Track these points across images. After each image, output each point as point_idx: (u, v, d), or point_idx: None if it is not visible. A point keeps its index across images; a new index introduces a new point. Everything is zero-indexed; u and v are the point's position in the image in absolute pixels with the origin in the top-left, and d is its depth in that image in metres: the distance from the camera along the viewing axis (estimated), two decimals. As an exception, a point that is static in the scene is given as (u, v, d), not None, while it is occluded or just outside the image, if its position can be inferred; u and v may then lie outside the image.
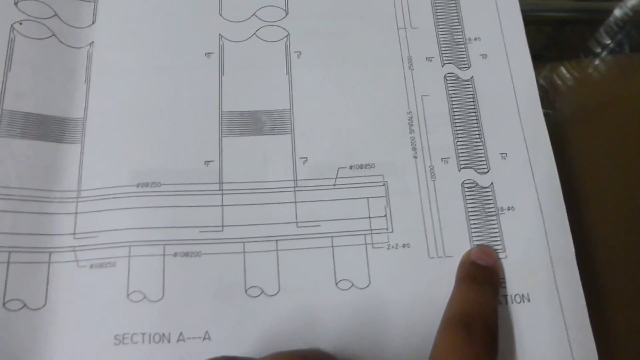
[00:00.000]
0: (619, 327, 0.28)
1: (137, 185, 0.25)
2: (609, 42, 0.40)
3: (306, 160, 0.26)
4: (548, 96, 0.36)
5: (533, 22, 0.42)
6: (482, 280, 0.24)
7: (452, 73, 0.28)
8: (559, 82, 0.37)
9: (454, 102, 0.28)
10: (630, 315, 0.28)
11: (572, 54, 0.40)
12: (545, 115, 0.36)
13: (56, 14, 0.27)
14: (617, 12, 0.40)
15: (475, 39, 0.29)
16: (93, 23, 0.28)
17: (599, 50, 0.39)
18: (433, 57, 0.29)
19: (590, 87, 0.36)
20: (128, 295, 0.24)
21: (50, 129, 0.26)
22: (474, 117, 0.27)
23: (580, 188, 0.31)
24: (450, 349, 0.21)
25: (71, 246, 0.24)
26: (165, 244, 0.25)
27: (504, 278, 0.25)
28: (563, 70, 0.37)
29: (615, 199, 0.31)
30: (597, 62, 0.37)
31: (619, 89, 0.36)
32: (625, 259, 0.29)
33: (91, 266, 0.24)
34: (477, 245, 0.25)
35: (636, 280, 0.29)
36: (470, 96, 0.28)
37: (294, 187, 0.26)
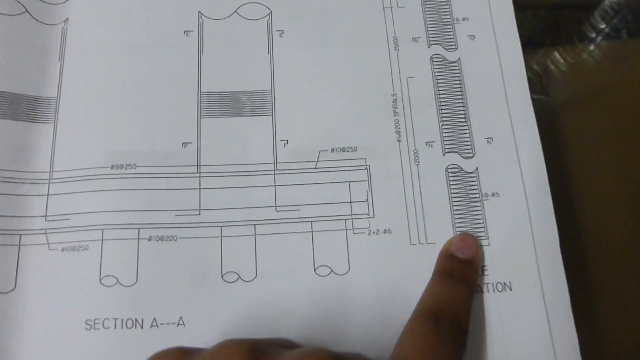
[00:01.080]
0: (605, 320, 0.27)
1: (112, 167, 0.25)
2: (604, 26, 0.39)
3: (287, 142, 0.26)
4: (541, 82, 0.36)
5: (529, 6, 0.41)
6: (457, 275, 0.23)
7: (439, 54, 0.27)
8: (552, 67, 0.36)
9: (440, 84, 0.27)
10: (619, 308, 0.27)
11: (567, 38, 0.39)
12: (539, 101, 0.35)
13: (29, -11, 0.26)
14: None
15: (463, 19, 0.28)
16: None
17: (594, 35, 0.39)
18: (419, 38, 0.28)
19: (585, 73, 0.35)
20: (100, 280, 0.23)
21: (22, 108, 0.25)
22: (460, 100, 0.27)
23: (573, 175, 0.30)
24: (417, 338, 0.21)
25: (42, 229, 0.24)
26: (140, 228, 0.24)
27: (485, 266, 0.24)
28: (557, 55, 0.36)
29: (608, 187, 0.30)
30: (592, 47, 0.37)
31: (614, 75, 0.35)
32: (619, 246, 0.29)
33: (63, 249, 0.24)
34: (460, 233, 0.25)
35: (626, 272, 0.28)
36: (457, 78, 0.27)
37: (274, 170, 0.25)
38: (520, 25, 0.29)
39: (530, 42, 0.39)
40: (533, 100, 0.35)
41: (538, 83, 0.37)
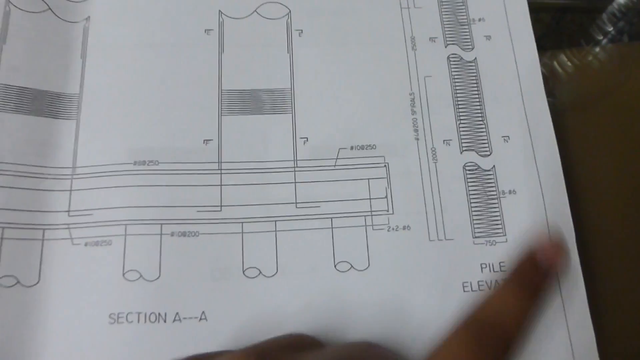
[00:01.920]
0: (617, 322, 0.28)
1: (134, 163, 0.25)
2: (610, 29, 0.39)
3: (307, 140, 0.26)
4: (548, 84, 0.36)
5: (532, 10, 0.42)
6: (535, 288, 0.18)
7: (456, 54, 0.28)
8: (559, 69, 0.36)
9: (457, 84, 0.27)
10: (630, 310, 0.28)
11: (571, 43, 0.39)
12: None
13: (52, -13, 0.27)
14: (619, 0, 0.40)
15: (480, 19, 0.28)
16: (89, -3, 0.27)
17: (600, 37, 0.39)
18: (436, 38, 0.28)
19: (591, 76, 0.35)
20: (124, 274, 0.23)
21: (45, 104, 0.25)
22: (477, 99, 0.27)
23: (579, 177, 0.30)
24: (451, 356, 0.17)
25: (65, 224, 0.24)
26: (162, 223, 0.24)
27: (503, 262, 0.25)
28: (563, 57, 0.37)
29: (614, 188, 0.30)
30: (597, 50, 0.37)
31: (619, 78, 0.35)
32: (623, 248, 0.29)
33: (86, 244, 0.24)
34: (552, 235, 0.21)
35: (635, 271, 0.29)
36: (474, 78, 0.27)
37: (294, 167, 0.26)
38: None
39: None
40: None
41: (545, 85, 0.37)
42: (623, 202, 0.30)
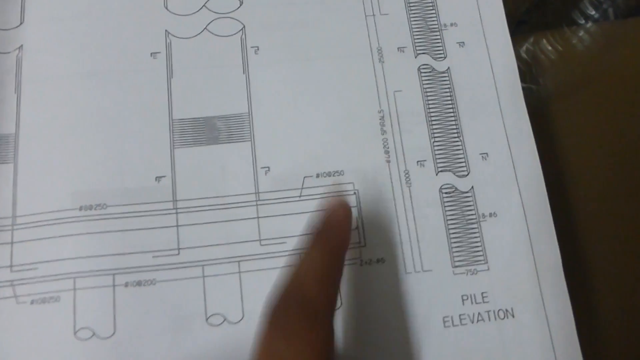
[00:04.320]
0: (608, 335, 0.26)
1: (80, 209, 0.23)
2: (593, 12, 0.38)
3: (268, 169, 0.24)
4: (531, 70, 0.35)
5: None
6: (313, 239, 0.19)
7: (427, 64, 0.26)
8: (542, 56, 0.35)
9: (430, 98, 0.25)
10: (620, 321, 0.26)
11: (555, 19, 0.37)
12: (529, 90, 0.34)
13: (-23, 14, 0.24)
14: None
15: (452, 24, 0.26)
16: (21, 23, 0.25)
17: (582, 20, 0.37)
18: (405, 47, 0.26)
19: (575, 59, 0.34)
20: (75, 333, 0.22)
21: (-22, 147, 0.23)
22: (452, 114, 0.25)
23: (565, 164, 0.29)
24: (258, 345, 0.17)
25: (8, 280, 0.22)
26: (115, 273, 0.22)
27: (485, 292, 0.23)
28: (546, 42, 0.35)
29: (601, 175, 0.29)
30: (580, 32, 0.35)
31: (604, 60, 0.34)
32: (611, 238, 0.28)
33: (32, 302, 0.22)
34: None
35: (628, 274, 0.27)
36: (447, 90, 0.25)
37: (256, 200, 0.24)
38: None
39: (519, 22, 0.37)
40: (523, 89, 0.34)
41: (528, 71, 0.35)
42: (612, 188, 0.29)
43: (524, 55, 0.35)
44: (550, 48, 0.35)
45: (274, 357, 0.16)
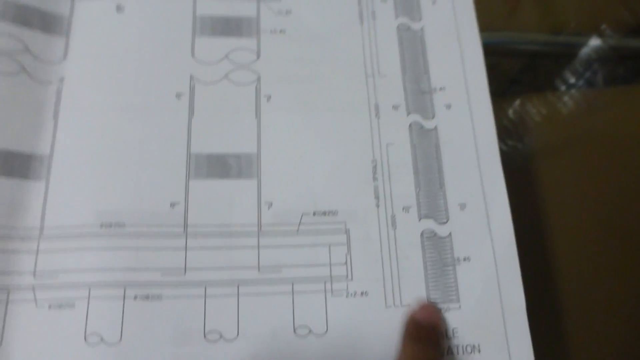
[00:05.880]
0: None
1: (101, 226, 0.25)
2: (577, 79, 0.41)
3: (271, 205, 0.27)
4: (517, 130, 0.38)
5: (506, 54, 0.43)
6: (425, 338, 0.25)
7: (417, 122, 0.29)
8: (527, 117, 0.38)
9: (418, 151, 0.28)
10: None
11: (546, 81, 0.41)
12: (514, 148, 0.37)
13: (27, 49, 0.27)
14: (589, 47, 0.41)
15: (440, 88, 0.30)
16: (64, 58, 0.28)
17: (572, 81, 0.41)
18: (399, 106, 0.29)
19: (560, 122, 0.37)
20: (85, 338, 0.24)
21: (16, 165, 0.26)
22: (436, 167, 0.28)
23: (547, 221, 0.31)
24: None
25: (30, 285, 0.24)
26: (126, 286, 0.25)
27: (455, 328, 0.26)
28: (532, 104, 0.38)
29: (583, 233, 0.32)
30: (566, 97, 0.38)
31: (587, 123, 0.36)
32: (594, 289, 0.30)
33: (50, 306, 0.24)
34: (420, 303, 0.26)
35: (605, 312, 0.30)
36: (434, 146, 0.29)
37: (258, 231, 0.26)
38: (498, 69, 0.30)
39: (512, 86, 0.40)
40: (508, 147, 0.37)
41: (514, 131, 0.38)
42: (594, 245, 0.31)
43: (511, 115, 0.39)
44: (535, 110, 0.38)
45: None
